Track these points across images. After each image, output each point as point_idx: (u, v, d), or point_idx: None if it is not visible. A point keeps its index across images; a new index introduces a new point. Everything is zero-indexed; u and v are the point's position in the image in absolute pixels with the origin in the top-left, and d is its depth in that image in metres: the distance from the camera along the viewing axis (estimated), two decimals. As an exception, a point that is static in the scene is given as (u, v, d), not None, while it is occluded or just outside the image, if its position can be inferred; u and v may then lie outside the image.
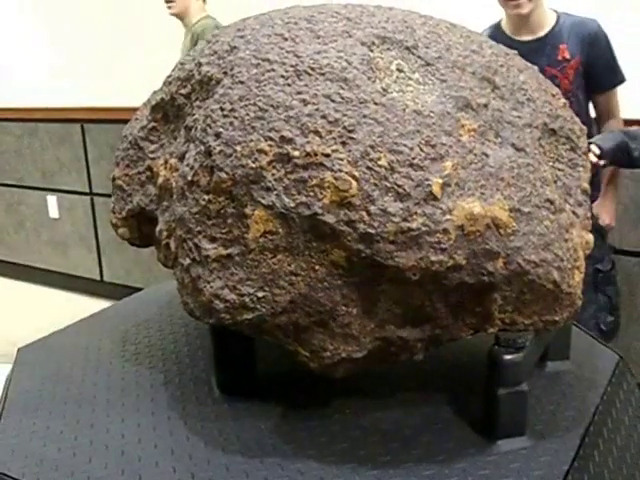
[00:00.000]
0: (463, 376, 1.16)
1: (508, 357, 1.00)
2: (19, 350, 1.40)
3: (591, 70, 2.27)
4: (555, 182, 1.07)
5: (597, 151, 1.74)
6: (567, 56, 2.23)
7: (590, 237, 1.10)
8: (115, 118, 4.00)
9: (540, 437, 1.04)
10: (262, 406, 1.11)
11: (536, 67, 1.26)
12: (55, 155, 4.54)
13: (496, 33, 2.31)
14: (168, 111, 1.17)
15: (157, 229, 1.11)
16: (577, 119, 1.22)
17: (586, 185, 1.14)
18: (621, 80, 2.33)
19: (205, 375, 1.21)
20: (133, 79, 3.98)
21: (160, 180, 1.12)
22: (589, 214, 1.12)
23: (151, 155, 1.17)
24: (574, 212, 1.08)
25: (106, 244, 4.47)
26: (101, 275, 4.58)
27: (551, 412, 1.11)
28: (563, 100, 1.22)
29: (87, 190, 4.46)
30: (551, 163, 1.11)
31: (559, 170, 1.11)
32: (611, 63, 2.29)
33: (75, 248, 4.65)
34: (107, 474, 0.98)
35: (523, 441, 1.02)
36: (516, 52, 1.25)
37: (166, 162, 1.12)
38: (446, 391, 1.14)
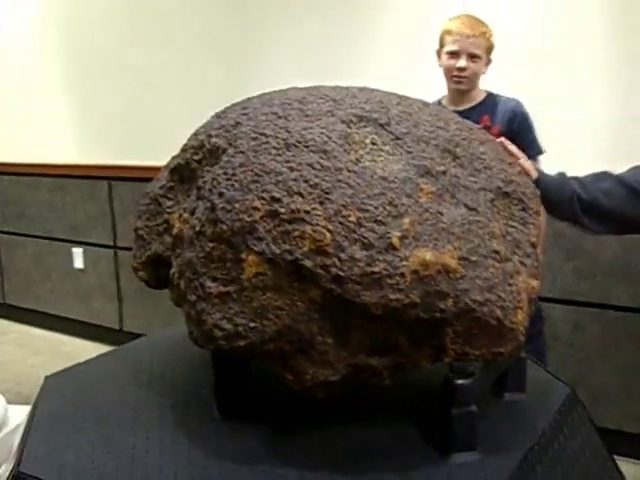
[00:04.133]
0: (423, 399, 1.36)
1: (460, 382, 1.19)
2: (46, 378, 1.60)
3: (515, 141, 2.49)
4: (504, 236, 1.27)
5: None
6: (488, 124, 2.55)
7: (536, 283, 1.30)
8: (139, 176, 4.29)
9: (489, 452, 1.22)
10: (255, 426, 1.31)
11: (497, 140, 1.48)
12: (83, 209, 4.81)
13: (436, 103, 2.67)
14: (183, 174, 1.40)
15: (171, 272, 1.32)
16: (531, 184, 1.43)
17: (535, 239, 1.34)
18: (538, 152, 2.60)
19: (207, 401, 1.41)
20: (156, 140, 4.27)
21: (175, 231, 1.34)
22: (537, 264, 1.32)
23: (168, 210, 1.40)
24: (521, 262, 1.28)
25: (127, 295, 4.70)
26: (120, 324, 4.80)
27: (502, 434, 1.29)
28: (519, 168, 1.44)
29: (112, 243, 4.71)
30: (504, 221, 1.31)
31: (511, 227, 1.32)
32: (528, 137, 2.57)
33: (98, 298, 4.88)
34: (119, 476, 1.17)
35: (474, 455, 1.21)
36: (481, 126, 1.48)
37: (180, 216, 1.34)
38: (409, 412, 1.34)
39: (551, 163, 2.62)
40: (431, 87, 3.13)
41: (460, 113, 2.54)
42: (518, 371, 1.43)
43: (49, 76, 5.03)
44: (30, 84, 5.16)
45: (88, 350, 4.55)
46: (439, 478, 1.15)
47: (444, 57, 2.63)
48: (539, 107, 2.69)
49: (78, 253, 4.90)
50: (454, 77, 2.60)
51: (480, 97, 2.67)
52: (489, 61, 2.65)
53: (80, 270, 4.91)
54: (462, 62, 2.57)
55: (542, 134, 2.70)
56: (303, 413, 1.33)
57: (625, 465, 2.18)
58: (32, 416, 1.41)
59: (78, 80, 4.81)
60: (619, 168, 2.06)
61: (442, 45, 2.63)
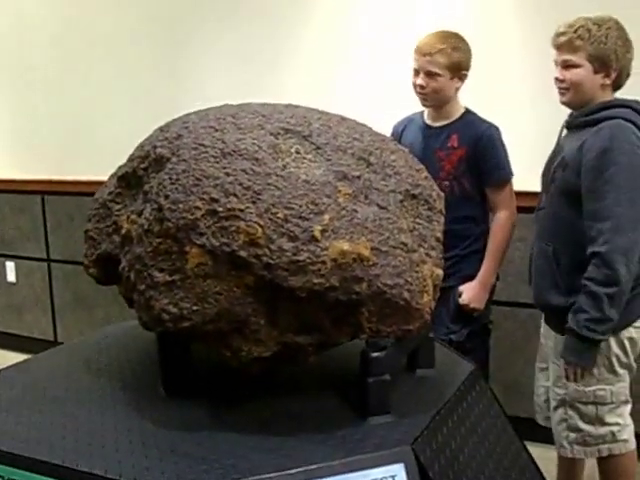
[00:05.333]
0: (344, 371, 1.56)
1: (375, 355, 1.40)
2: (0, 371, 1.74)
3: (477, 165, 2.63)
4: (412, 231, 1.48)
5: None
6: (455, 144, 2.64)
7: (440, 272, 1.51)
8: (73, 191, 4.40)
9: (402, 416, 1.42)
10: (197, 399, 1.49)
11: (407, 150, 1.69)
12: (15, 223, 4.87)
13: (418, 115, 2.80)
14: (130, 180, 1.57)
15: (120, 267, 1.49)
16: (436, 188, 1.65)
17: (439, 235, 1.56)
18: (505, 179, 2.65)
19: (153, 382, 1.58)
20: (90, 155, 4.39)
21: (123, 231, 1.51)
22: (441, 255, 1.54)
23: (117, 213, 1.57)
24: (427, 253, 1.49)
25: (61, 307, 4.78)
26: (55, 336, 4.87)
27: (413, 402, 1.50)
28: (426, 174, 1.65)
29: (45, 256, 4.78)
30: (412, 218, 1.52)
31: (418, 223, 1.53)
32: (494, 162, 2.61)
33: (31, 311, 4.93)
34: (78, 447, 1.33)
35: (388, 418, 1.41)
36: (392, 138, 1.69)
37: (128, 217, 1.51)
38: (332, 383, 1.55)
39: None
40: (351, 98, 3.34)
41: (436, 129, 2.72)
42: (428, 350, 1.65)
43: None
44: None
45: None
46: (357, 437, 1.35)
47: (412, 73, 2.67)
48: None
49: (10, 267, 4.95)
50: (417, 94, 2.67)
51: (456, 115, 2.69)
52: (461, 76, 2.64)
53: (12, 284, 4.96)
54: (419, 80, 2.62)
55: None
56: (239, 387, 1.52)
57: (534, 449, 2.43)
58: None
59: (12, 95, 4.87)
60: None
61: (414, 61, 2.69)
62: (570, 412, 2.33)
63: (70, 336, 4.72)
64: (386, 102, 2.74)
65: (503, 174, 2.65)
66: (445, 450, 1.40)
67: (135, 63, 4.30)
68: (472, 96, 2.76)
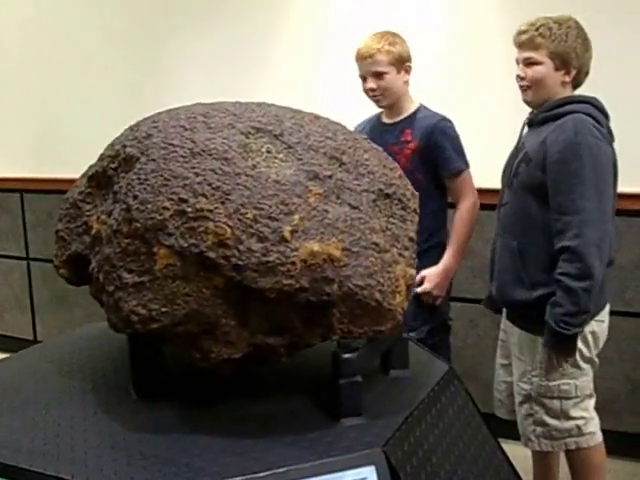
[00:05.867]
0: (315, 372, 1.55)
1: (346, 356, 1.39)
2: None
3: (430, 157, 2.66)
4: (384, 231, 1.47)
5: None
6: (408, 138, 2.68)
7: (412, 272, 1.50)
8: (52, 188, 4.37)
9: (374, 417, 1.41)
10: (168, 401, 1.47)
11: (381, 148, 1.68)
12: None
13: (376, 116, 2.85)
14: (101, 180, 1.55)
15: (90, 267, 1.47)
16: (410, 187, 1.64)
17: (412, 234, 1.55)
18: (459, 169, 2.67)
19: (124, 384, 1.56)
20: (69, 153, 4.36)
21: (94, 231, 1.49)
22: (414, 255, 1.53)
23: (87, 213, 1.55)
24: (400, 253, 1.49)
25: (40, 306, 4.75)
26: (34, 335, 4.84)
27: (386, 403, 1.49)
28: (400, 172, 1.65)
29: (24, 255, 4.75)
30: (385, 218, 1.51)
31: (391, 223, 1.52)
32: (447, 154, 2.64)
33: (10, 310, 4.90)
34: (46, 449, 1.31)
35: (360, 419, 1.40)
36: (366, 137, 1.68)
37: (98, 218, 1.49)
38: (303, 384, 1.54)
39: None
40: (330, 97, 3.35)
41: (390, 125, 2.77)
42: (402, 350, 1.64)
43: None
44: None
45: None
46: (328, 439, 1.34)
47: (360, 81, 2.74)
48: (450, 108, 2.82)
49: (-11, 265, 4.92)
50: (371, 98, 2.72)
51: (410, 110, 2.74)
52: (406, 68, 2.69)
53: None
54: (369, 84, 2.67)
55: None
56: (211, 389, 1.50)
57: (516, 447, 2.43)
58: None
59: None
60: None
61: (358, 70, 2.74)
62: (536, 407, 2.36)
63: (50, 335, 4.69)
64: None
65: (457, 165, 2.67)
66: (417, 451, 1.39)
67: (113, 61, 4.28)
68: (436, 94, 2.80)
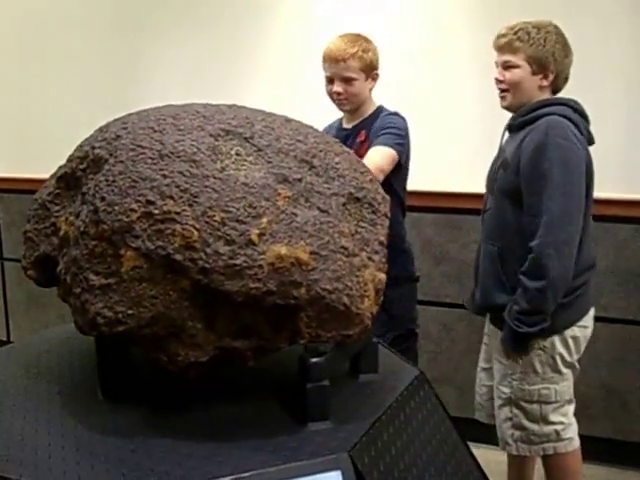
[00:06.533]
0: (283, 377, 1.55)
1: (313, 360, 1.39)
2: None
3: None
4: (353, 235, 1.47)
5: None
6: (363, 138, 2.67)
7: (382, 276, 1.50)
8: (26, 188, 4.33)
9: (341, 422, 1.41)
10: (135, 404, 1.46)
11: (352, 151, 1.68)
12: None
13: (338, 122, 2.85)
14: (69, 181, 1.54)
15: (58, 269, 1.46)
16: (381, 191, 1.64)
17: (382, 238, 1.55)
18: (382, 143, 2.53)
19: (91, 386, 1.55)
20: (43, 153, 4.32)
21: (62, 232, 1.48)
22: (384, 259, 1.53)
23: (55, 214, 1.54)
24: (370, 257, 1.48)
25: (14, 306, 4.71)
26: (8, 336, 4.80)
27: (354, 407, 1.49)
28: (371, 176, 1.64)
29: (-3, 255, 4.72)
30: (355, 222, 1.51)
31: (361, 227, 1.51)
32: (381, 133, 2.57)
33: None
34: (9, 453, 1.30)
35: (327, 424, 1.40)
36: (338, 140, 1.68)
37: (67, 219, 1.48)
38: (270, 388, 1.53)
39: (428, 156, 2.79)
40: (311, 106, 3.34)
41: (349, 129, 2.76)
42: (371, 355, 1.64)
43: None
44: None
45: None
46: (294, 444, 1.33)
47: (324, 81, 2.72)
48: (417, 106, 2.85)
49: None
50: (335, 100, 2.70)
51: (368, 112, 2.72)
52: (374, 76, 2.69)
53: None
54: (336, 87, 2.65)
55: (421, 129, 2.83)
56: (177, 391, 1.50)
57: (490, 452, 2.44)
58: None
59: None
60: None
61: (324, 69, 2.71)
62: (515, 410, 2.37)
63: (24, 336, 4.65)
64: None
65: (382, 139, 2.57)
66: (385, 456, 1.39)
67: (90, 63, 4.26)
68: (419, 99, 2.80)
